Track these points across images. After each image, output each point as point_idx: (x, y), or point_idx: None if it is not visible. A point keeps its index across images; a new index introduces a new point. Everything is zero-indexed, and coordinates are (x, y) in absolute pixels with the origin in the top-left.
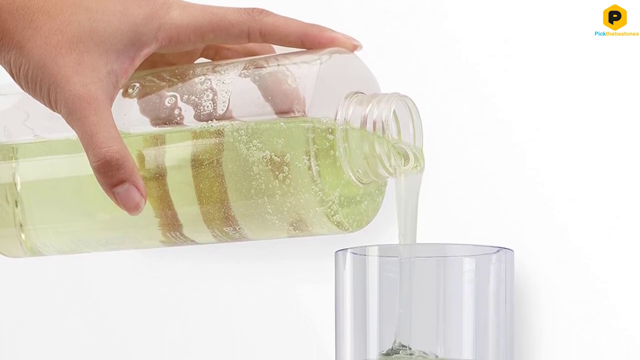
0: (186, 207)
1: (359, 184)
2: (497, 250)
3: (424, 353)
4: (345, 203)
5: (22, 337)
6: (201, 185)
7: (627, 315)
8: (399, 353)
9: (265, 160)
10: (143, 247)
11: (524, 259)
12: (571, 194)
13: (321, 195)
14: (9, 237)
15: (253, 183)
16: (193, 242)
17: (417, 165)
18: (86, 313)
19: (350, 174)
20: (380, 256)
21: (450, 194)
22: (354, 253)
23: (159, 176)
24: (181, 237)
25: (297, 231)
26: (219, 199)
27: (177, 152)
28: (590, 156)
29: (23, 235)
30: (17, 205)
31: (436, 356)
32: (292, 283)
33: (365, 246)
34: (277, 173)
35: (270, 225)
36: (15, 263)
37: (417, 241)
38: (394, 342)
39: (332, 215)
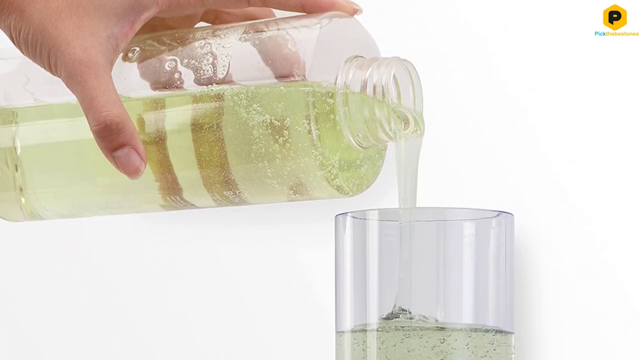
0: (186, 171)
1: (359, 148)
2: (497, 214)
3: (424, 317)
4: (345, 167)
5: (21, 301)
6: (201, 149)
7: (627, 278)
8: (398, 317)
9: (265, 124)
10: (143, 211)
11: (524, 223)
12: (571, 158)
13: (321, 159)
14: (9, 201)
15: (253, 147)
16: (193, 206)
17: (417, 129)
18: (86, 277)
19: (350, 138)
20: (380, 220)
21: (450, 158)
22: (354, 217)
23: (159, 140)
24: (181, 201)
25: (297, 195)
26: (219, 163)
27: (177, 116)
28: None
29: (23, 200)
30: (17, 170)
31: (436, 320)
32: (292, 247)
33: (366, 210)
34: (277, 137)
35: (270, 189)
36: (15, 227)
37: (417, 205)
38: (394, 306)
39: (332, 179)
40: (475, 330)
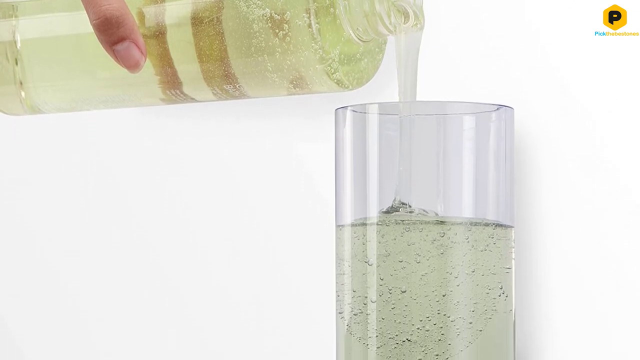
0: (186, 65)
1: (359, 42)
2: (497, 108)
3: (424, 211)
4: (345, 61)
5: (20, 195)
6: (201, 43)
7: (627, 171)
8: (399, 211)
9: (265, 18)
10: (143, 105)
11: (524, 117)
12: (571, 51)
13: (321, 53)
14: (9, 94)
15: (253, 41)
16: (193, 99)
17: (417, 23)
18: (85, 171)
19: (350, 31)
20: (380, 114)
21: (450, 52)
22: (354, 111)
23: (159, 34)
24: (181, 95)
25: (297, 89)
26: (219, 56)
27: (177, 9)
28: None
29: (23, 93)
30: (17, 63)
31: (436, 214)
32: (292, 140)
33: (366, 104)
34: (277, 31)
35: (270, 83)
36: (15, 121)
37: (417, 99)
38: (394, 200)
39: (332, 73)
40: (475, 224)
